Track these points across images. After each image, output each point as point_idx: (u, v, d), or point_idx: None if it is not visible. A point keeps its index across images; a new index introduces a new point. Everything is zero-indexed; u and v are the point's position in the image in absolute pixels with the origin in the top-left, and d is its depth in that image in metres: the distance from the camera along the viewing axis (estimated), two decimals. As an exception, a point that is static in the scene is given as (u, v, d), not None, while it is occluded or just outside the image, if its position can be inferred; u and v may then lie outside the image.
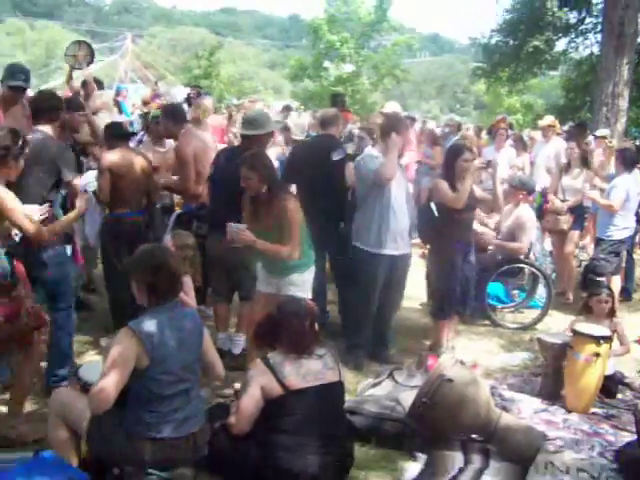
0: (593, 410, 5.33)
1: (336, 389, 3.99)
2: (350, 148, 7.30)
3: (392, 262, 5.95)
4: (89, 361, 5.28)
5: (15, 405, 4.43)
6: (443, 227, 6.08)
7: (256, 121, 5.77)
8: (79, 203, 4.66)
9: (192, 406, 3.59)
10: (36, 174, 4.76)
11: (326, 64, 25.35)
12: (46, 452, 3.59)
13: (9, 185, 4.29)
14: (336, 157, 6.35)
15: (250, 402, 3.79)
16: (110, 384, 3.33)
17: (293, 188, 6.16)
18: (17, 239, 4.34)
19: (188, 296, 4.92)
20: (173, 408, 3.49)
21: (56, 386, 4.61)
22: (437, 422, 4.45)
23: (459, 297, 6.26)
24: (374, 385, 5.04)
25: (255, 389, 3.78)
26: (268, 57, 78.17)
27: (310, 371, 3.85)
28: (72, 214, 4.73)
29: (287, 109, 15.41)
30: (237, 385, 4.38)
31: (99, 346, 5.84)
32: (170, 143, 6.99)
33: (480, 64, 21.46)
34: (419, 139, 12.05)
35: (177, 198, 7.00)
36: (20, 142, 4.28)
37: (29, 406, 4.69)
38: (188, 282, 5.02)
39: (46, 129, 5.04)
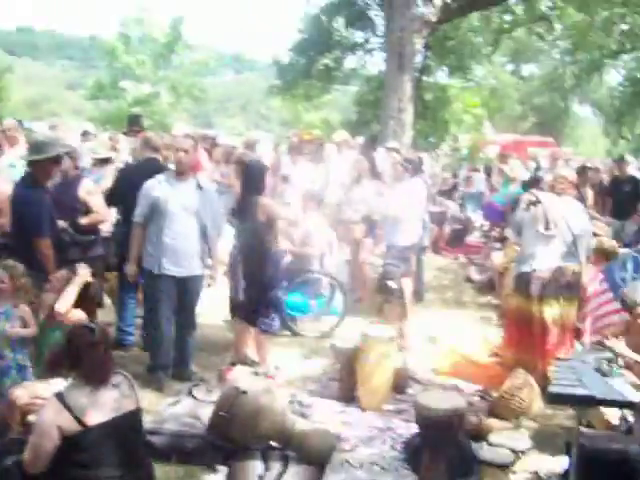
0: (386, 407, 5.68)
1: (134, 417, 3.87)
2: None
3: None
4: None
5: None
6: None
7: (40, 146, 5.61)
8: None
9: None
10: None
11: (123, 84, 24.78)
12: None
13: None
14: None
15: (47, 443, 3.59)
16: None
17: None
18: None
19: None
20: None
21: None
22: (236, 433, 4.58)
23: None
24: (174, 404, 5.07)
25: (52, 429, 3.57)
26: (68, 77, 75.07)
27: (107, 402, 3.70)
28: None
29: (86, 134, 14.86)
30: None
31: None
32: None
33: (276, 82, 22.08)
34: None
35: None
36: None
37: None
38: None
39: None
